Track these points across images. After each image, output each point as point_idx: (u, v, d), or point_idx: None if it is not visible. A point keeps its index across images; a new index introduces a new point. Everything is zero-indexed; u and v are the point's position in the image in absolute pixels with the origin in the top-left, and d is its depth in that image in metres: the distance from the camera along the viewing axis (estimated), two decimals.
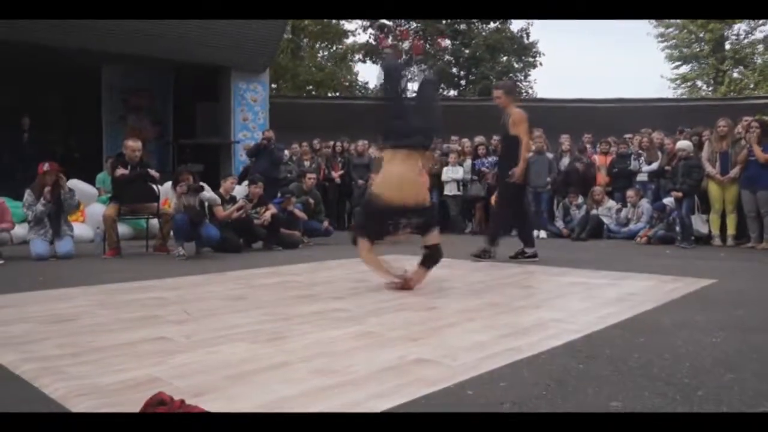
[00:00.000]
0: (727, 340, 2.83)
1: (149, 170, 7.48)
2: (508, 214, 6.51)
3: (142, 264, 6.45)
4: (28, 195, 6.89)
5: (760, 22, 25.41)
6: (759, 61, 25.97)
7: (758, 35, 26.01)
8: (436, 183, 10.85)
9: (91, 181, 10.05)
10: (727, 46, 26.60)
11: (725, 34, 26.25)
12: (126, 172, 7.27)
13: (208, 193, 7.26)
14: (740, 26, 25.99)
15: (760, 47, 26.14)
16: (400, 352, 2.62)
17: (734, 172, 7.95)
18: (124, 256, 7.00)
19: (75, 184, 8.34)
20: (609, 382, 2.22)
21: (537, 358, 2.53)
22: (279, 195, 8.82)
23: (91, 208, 9.20)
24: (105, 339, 2.89)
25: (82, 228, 8.54)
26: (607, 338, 2.88)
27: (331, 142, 12.06)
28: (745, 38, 26.51)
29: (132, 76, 14.12)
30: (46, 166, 6.90)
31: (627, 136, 10.30)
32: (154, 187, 7.45)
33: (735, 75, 26.24)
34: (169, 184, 8.44)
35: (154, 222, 7.74)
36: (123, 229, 7.87)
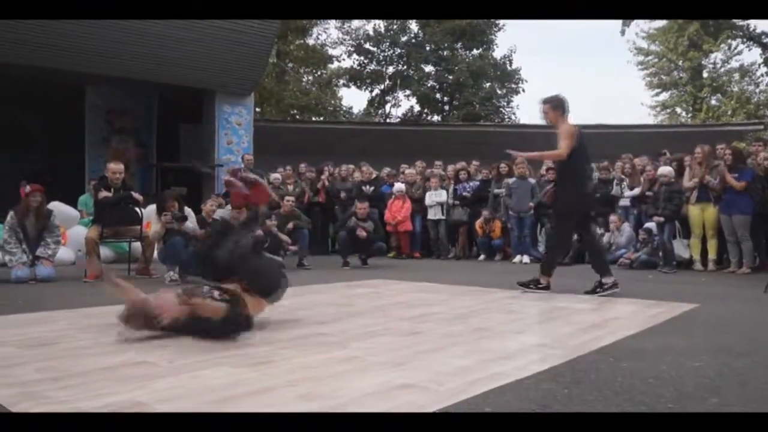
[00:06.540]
0: (710, 365, 2.85)
1: (132, 193, 7.43)
2: (559, 242, 5.99)
3: None
4: (10, 217, 6.82)
5: (735, 51, 26.02)
6: (735, 89, 26.54)
7: (734, 64, 26.65)
8: (418, 208, 10.86)
9: (73, 203, 9.98)
10: (705, 74, 27.16)
11: (703, 62, 26.82)
12: (109, 194, 7.22)
13: (191, 224, 7.26)
14: (717, 55, 26.59)
15: (736, 75, 26.74)
16: (385, 377, 2.61)
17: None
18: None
19: (56, 206, 8.27)
20: (593, 408, 2.22)
21: (522, 383, 2.53)
22: None
23: (72, 231, 9.11)
24: (86, 363, 2.85)
25: (63, 251, 8.43)
26: (591, 363, 2.89)
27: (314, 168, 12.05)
28: (721, 67, 27.14)
29: (116, 97, 14.08)
30: (27, 188, 6.86)
31: (604, 163, 10.20)
32: (137, 209, 7.40)
33: (713, 102, 26.79)
34: (152, 207, 8.38)
35: (137, 245, 7.68)
36: (105, 252, 7.79)
